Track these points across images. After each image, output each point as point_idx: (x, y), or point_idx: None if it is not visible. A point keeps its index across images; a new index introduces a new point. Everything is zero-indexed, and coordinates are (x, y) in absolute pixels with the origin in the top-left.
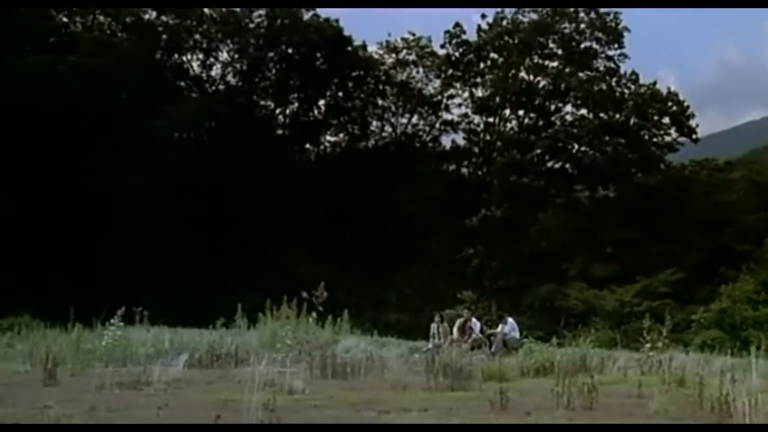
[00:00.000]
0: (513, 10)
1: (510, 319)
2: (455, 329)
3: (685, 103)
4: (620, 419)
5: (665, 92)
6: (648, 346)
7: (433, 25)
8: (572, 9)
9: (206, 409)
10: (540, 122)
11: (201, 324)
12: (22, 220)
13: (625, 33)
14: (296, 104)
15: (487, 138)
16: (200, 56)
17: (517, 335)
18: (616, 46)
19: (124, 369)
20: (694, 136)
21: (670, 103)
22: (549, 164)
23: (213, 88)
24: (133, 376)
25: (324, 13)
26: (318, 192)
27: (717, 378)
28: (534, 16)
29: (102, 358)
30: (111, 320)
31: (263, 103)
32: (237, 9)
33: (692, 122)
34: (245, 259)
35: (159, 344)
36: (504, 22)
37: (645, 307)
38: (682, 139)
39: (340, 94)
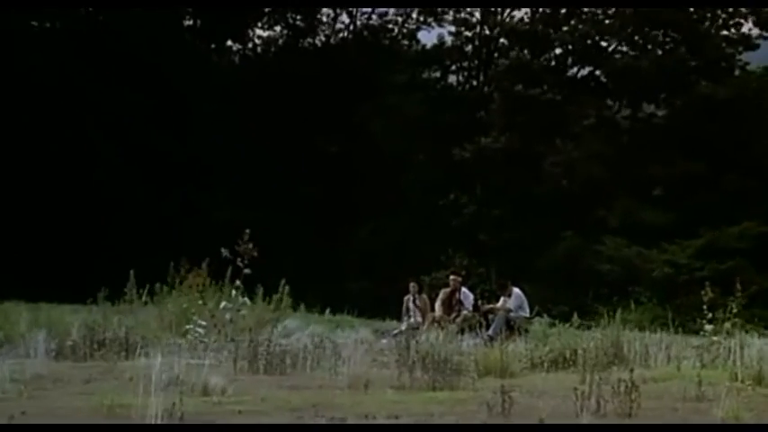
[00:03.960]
0: None
1: (516, 290)
2: (438, 304)
3: None
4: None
5: None
6: (712, 327)
7: None
8: None
9: (83, 417)
10: (561, 10)
11: (76, 298)
12: None
13: None
14: None
15: (486, 32)
16: None
17: (526, 311)
18: None
19: None
20: None
21: None
22: (573, 70)
23: None
24: None
25: None
26: (245, 109)
27: None
28: None
29: None
30: None
31: None
32: None
33: None
34: (138, 204)
35: (12, 326)
36: None
37: (708, 273)
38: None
39: None
